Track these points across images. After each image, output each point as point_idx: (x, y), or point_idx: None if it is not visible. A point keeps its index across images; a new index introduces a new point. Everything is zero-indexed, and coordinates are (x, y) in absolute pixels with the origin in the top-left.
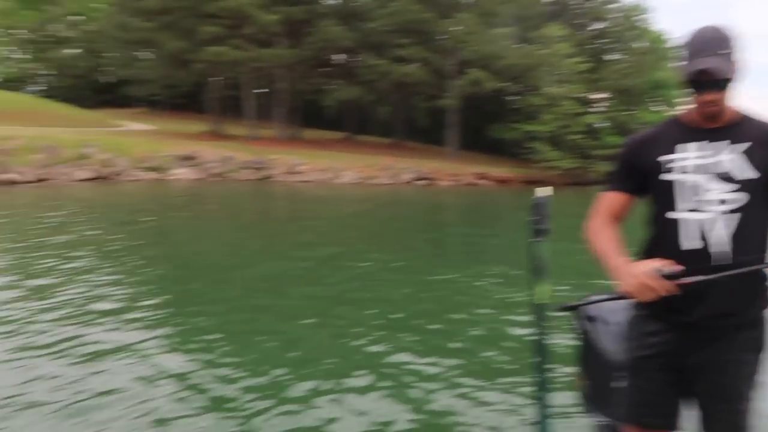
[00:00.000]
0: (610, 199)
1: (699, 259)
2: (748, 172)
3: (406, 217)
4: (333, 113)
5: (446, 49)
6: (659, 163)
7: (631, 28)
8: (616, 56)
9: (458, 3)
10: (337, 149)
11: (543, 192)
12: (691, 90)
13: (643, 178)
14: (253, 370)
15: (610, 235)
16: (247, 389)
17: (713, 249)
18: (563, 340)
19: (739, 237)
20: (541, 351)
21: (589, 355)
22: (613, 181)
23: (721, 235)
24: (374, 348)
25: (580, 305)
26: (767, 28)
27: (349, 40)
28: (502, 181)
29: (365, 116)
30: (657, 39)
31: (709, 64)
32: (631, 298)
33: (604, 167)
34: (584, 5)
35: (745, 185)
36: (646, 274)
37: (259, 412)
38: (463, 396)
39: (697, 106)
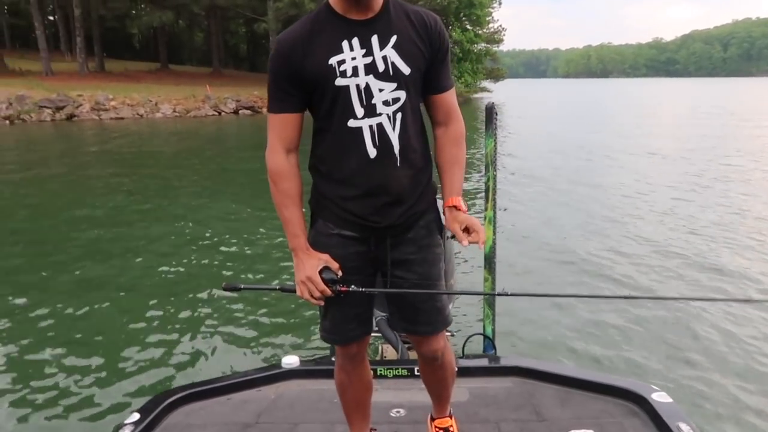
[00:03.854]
0: (282, 124)
1: (385, 166)
2: (404, 68)
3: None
4: (142, 42)
5: None
6: (332, 67)
7: None
8: None
9: None
10: (150, 81)
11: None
12: None
13: (312, 87)
14: None
15: (292, 191)
16: None
17: (392, 153)
18: None
19: (404, 137)
20: None
21: None
22: (279, 99)
23: (394, 138)
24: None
25: (246, 288)
26: None
27: None
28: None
29: (179, 44)
30: None
31: None
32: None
33: None
34: None
35: (401, 82)
36: (312, 280)
37: None
38: None
39: None
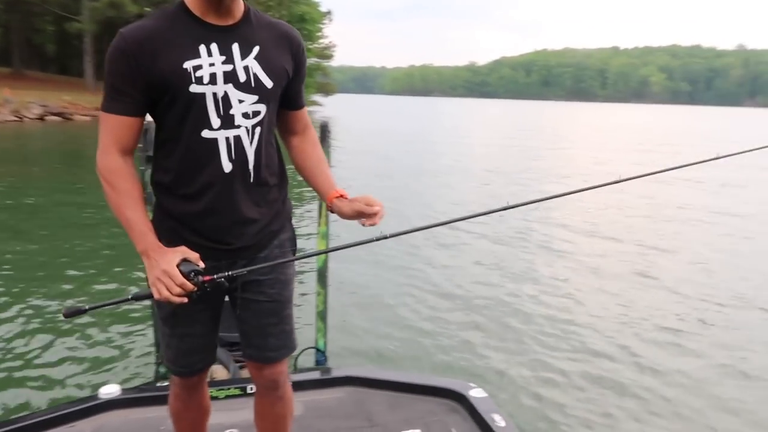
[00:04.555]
0: (120, 126)
1: (239, 181)
2: (266, 81)
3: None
4: None
5: None
6: (187, 71)
7: None
8: None
9: None
10: None
11: (150, 118)
12: None
13: (160, 92)
14: None
15: (132, 192)
16: None
17: (247, 168)
18: None
19: (260, 152)
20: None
21: None
22: (118, 100)
23: (250, 153)
24: None
25: (93, 308)
26: None
27: None
28: None
29: None
30: None
31: None
32: (155, 297)
33: None
34: None
35: (263, 95)
36: (170, 273)
37: None
38: None
39: None
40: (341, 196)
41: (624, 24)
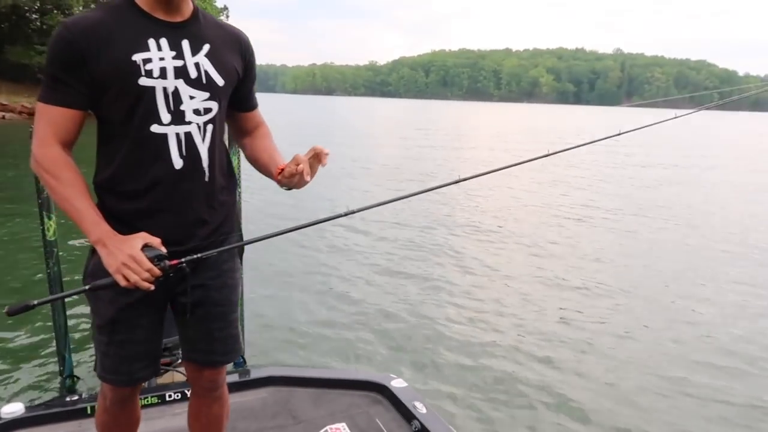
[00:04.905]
0: (62, 118)
1: (191, 179)
2: (218, 79)
3: None
4: None
5: None
6: (136, 64)
7: None
8: None
9: None
10: None
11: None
12: None
13: (106, 84)
14: None
15: (77, 181)
16: None
17: (200, 166)
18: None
19: (213, 150)
20: (55, 286)
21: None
22: (59, 90)
23: (203, 150)
24: None
25: (41, 303)
26: None
27: None
28: (31, 114)
29: None
30: None
31: None
32: (115, 285)
33: None
34: None
35: (215, 92)
36: (136, 259)
37: None
38: None
39: None
40: (281, 170)
41: (514, 26)
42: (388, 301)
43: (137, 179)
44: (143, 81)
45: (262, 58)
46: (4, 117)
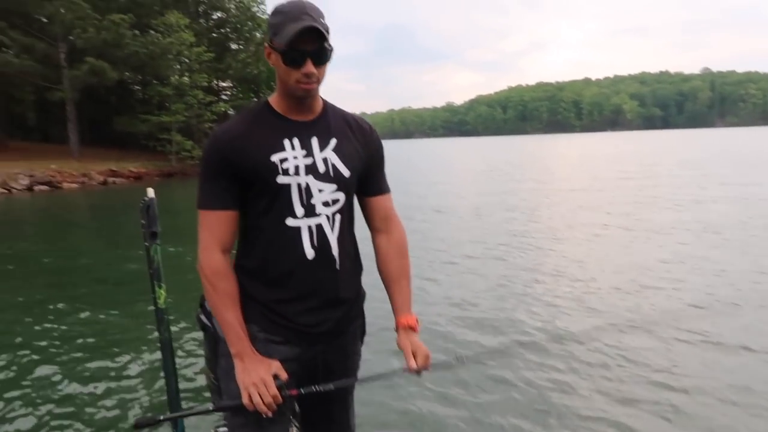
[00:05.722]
0: (218, 222)
1: (322, 268)
2: (344, 170)
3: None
4: None
5: (54, 35)
6: (274, 164)
7: (249, 18)
8: (237, 45)
9: None
10: None
11: (150, 193)
12: (287, 64)
13: (250, 183)
14: None
15: (230, 293)
16: None
17: (330, 255)
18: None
19: (342, 239)
20: (166, 350)
21: (216, 351)
22: (216, 195)
23: (333, 239)
24: None
25: (167, 419)
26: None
27: None
28: (137, 177)
29: None
30: None
31: (314, 23)
32: (240, 408)
33: None
34: None
35: (342, 184)
36: (266, 383)
37: None
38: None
39: (293, 85)
40: (410, 327)
41: (592, 55)
42: None
43: (273, 269)
44: (281, 179)
45: (343, 108)
46: (114, 182)
